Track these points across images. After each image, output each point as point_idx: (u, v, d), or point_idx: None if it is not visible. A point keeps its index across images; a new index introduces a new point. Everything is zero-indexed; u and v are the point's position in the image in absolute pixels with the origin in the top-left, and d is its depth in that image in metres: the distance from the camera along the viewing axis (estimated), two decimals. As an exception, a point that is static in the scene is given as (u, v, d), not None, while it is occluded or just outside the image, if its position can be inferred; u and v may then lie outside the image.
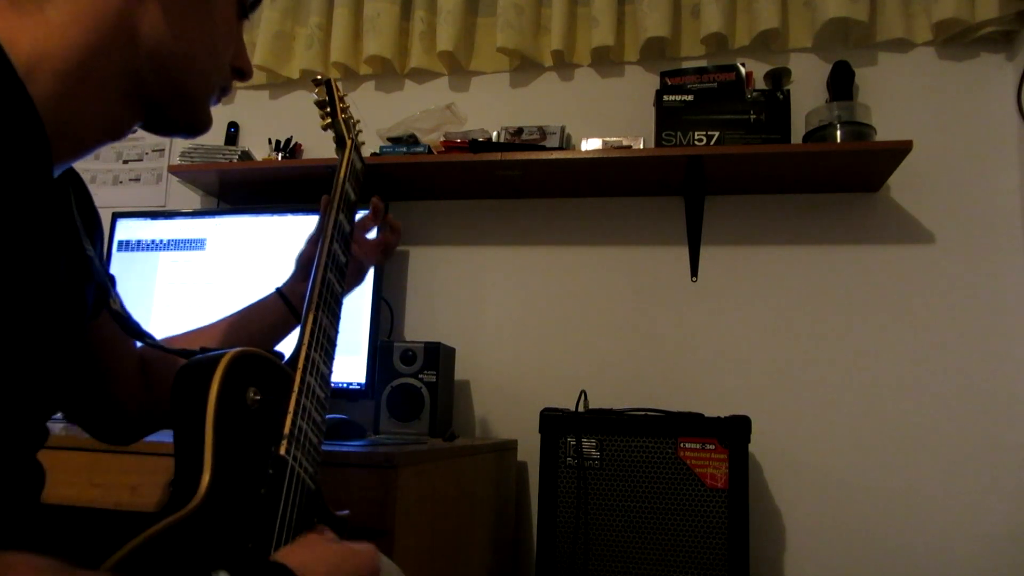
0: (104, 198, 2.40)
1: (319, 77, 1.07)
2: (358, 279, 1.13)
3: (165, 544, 0.57)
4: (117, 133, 0.71)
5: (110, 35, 0.65)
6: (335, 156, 1.06)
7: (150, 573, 0.55)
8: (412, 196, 2.23)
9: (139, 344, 0.87)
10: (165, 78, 0.70)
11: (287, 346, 0.85)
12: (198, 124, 0.77)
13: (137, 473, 1.24)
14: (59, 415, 0.91)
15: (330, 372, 0.86)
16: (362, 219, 1.13)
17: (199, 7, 0.72)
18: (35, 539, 0.63)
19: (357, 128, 1.08)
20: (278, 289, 1.07)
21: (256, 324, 1.03)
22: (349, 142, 1.04)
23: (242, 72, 0.80)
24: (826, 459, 1.90)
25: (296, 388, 0.77)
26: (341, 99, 1.08)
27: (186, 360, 0.72)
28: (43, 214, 0.58)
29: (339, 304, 0.91)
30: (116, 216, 2.06)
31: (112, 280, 0.85)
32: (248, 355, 0.72)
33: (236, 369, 0.69)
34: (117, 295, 0.83)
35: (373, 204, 1.14)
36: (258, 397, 0.71)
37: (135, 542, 0.56)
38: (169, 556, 0.57)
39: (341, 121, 1.05)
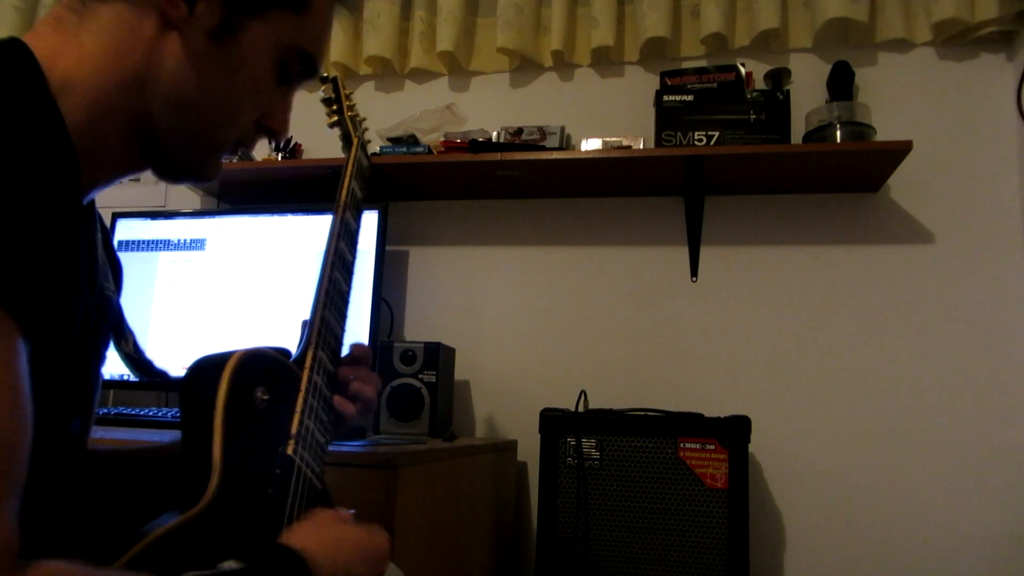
0: (104, 198, 2.34)
1: (325, 75, 1.07)
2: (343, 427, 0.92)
3: (175, 543, 0.57)
4: (130, 169, 0.71)
5: (134, 70, 0.65)
6: (335, 156, 1.06)
7: (161, 572, 0.54)
8: (412, 196, 2.23)
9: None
10: (175, 122, 0.69)
11: (292, 345, 0.85)
12: (202, 173, 0.75)
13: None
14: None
15: (336, 372, 0.85)
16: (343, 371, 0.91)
17: (225, 62, 0.69)
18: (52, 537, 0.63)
19: (363, 126, 1.08)
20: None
21: None
22: (356, 140, 1.04)
23: (272, 132, 0.77)
24: (826, 459, 1.91)
25: (303, 388, 0.77)
26: (347, 96, 1.08)
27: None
28: (73, 242, 0.57)
29: (345, 303, 0.90)
30: (116, 216, 2.05)
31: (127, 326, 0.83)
32: (256, 354, 0.72)
33: (244, 369, 0.69)
34: (131, 334, 0.82)
35: (359, 354, 0.93)
36: (266, 397, 0.71)
37: (146, 541, 0.56)
38: (179, 555, 0.56)
39: (348, 119, 1.05)
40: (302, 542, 0.62)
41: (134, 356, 0.80)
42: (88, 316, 0.67)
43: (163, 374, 0.83)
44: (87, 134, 0.62)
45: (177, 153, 0.71)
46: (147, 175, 0.71)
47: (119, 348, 0.79)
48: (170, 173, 0.74)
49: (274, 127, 0.76)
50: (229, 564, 0.54)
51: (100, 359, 0.74)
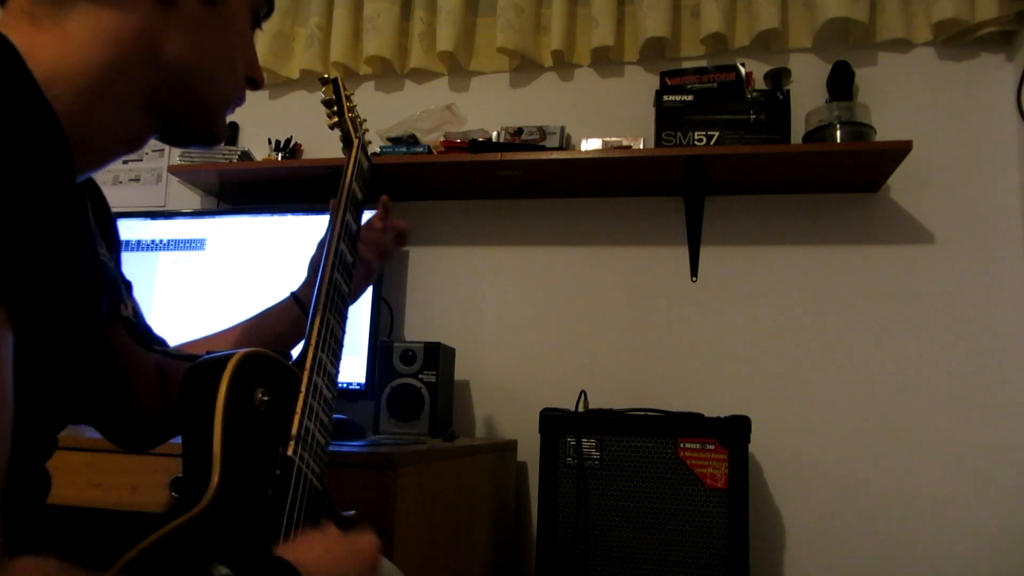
0: (103, 198, 2.38)
1: (326, 76, 1.07)
2: (367, 281, 1.12)
3: (174, 545, 0.57)
4: (135, 145, 0.72)
5: (132, 52, 0.66)
6: (334, 156, 1.06)
7: (160, 574, 0.54)
8: (412, 196, 2.23)
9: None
10: (185, 93, 0.71)
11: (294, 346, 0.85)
12: (215, 135, 0.78)
13: (137, 473, 1.24)
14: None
15: (337, 372, 0.85)
16: (370, 219, 1.13)
17: (218, 23, 0.73)
18: (40, 542, 0.62)
19: (364, 127, 1.08)
20: (293, 293, 1.08)
21: (270, 328, 1.03)
22: (356, 141, 1.04)
23: (254, 82, 0.81)
24: (826, 459, 1.91)
25: (304, 389, 0.77)
26: (348, 98, 1.08)
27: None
28: (66, 223, 0.57)
29: (346, 304, 0.90)
30: (116, 216, 2.05)
31: (129, 286, 0.84)
32: (256, 355, 0.72)
33: (244, 369, 0.69)
34: (132, 300, 0.82)
35: (382, 203, 1.14)
36: (266, 398, 0.71)
37: (144, 543, 0.55)
38: (178, 557, 0.56)
39: (348, 120, 1.05)
40: (294, 555, 0.62)
41: (131, 320, 0.80)
42: (91, 287, 0.67)
43: (159, 341, 0.84)
44: (81, 119, 0.62)
45: (190, 120, 0.74)
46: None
47: (119, 313, 0.79)
48: (183, 138, 0.77)
49: (255, 76, 0.80)
50: (222, 571, 0.54)
51: (100, 324, 0.74)
